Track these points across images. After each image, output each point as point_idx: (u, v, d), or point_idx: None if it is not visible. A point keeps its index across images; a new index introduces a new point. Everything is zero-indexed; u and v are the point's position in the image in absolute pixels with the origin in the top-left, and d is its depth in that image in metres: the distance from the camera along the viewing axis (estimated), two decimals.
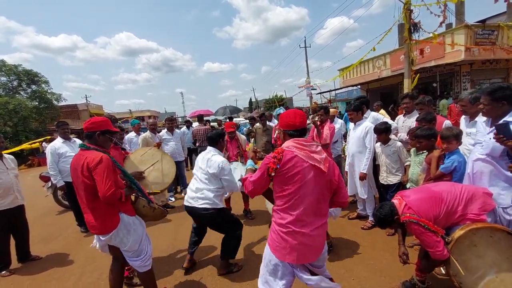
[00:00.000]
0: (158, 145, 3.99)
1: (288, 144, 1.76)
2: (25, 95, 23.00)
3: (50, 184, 5.79)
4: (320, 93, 19.41)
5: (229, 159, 4.45)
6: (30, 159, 17.29)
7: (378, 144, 3.71)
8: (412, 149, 3.23)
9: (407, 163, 3.43)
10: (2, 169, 3.45)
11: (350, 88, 19.84)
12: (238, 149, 4.65)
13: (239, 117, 18.67)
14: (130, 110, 42.45)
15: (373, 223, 3.73)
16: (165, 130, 5.97)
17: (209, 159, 2.95)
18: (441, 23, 8.28)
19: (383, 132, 3.57)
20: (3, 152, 3.55)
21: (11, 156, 3.70)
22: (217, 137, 3.12)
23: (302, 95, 19.84)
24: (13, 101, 19.80)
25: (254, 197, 2.07)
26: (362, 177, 3.66)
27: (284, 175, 1.70)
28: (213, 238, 3.49)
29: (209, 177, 2.89)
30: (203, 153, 3.10)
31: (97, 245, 2.41)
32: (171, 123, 6.04)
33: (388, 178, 3.61)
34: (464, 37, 10.71)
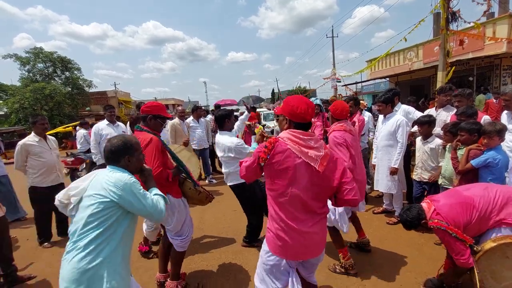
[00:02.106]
0: (186, 144, 4.16)
1: (284, 135, 1.63)
2: (59, 81, 24.24)
3: (84, 166, 6.16)
4: (346, 85, 18.87)
5: None
6: (64, 142, 18.38)
7: (419, 138, 3.55)
8: (448, 145, 3.08)
9: (441, 164, 3.25)
10: (46, 149, 3.72)
11: (378, 81, 19.12)
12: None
13: (262, 107, 18.64)
14: (155, 98, 43.65)
15: (399, 219, 3.64)
16: (191, 118, 6.12)
17: (217, 142, 3.12)
18: (485, 12, 7.67)
19: (425, 124, 3.36)
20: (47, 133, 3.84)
21: (53, 138, 3.97)
22: (222, 118, 3.14)
23: (326, 87, 19.51)
24: (49, 87, 20.96)
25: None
26: (393, 172, 3.56)
27: (274, 167, 1.58)
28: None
29: (224, 160, 3.12)
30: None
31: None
32: (201, 111, 6.35)
33: (422, 174, 3.45)
34: (508, 28, 9.90)
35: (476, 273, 1.87)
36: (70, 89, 23.74)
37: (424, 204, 2.15)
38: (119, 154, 1.66)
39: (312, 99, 5.10)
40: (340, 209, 2.64)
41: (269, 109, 15.50)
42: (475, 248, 1.91)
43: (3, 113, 23.16)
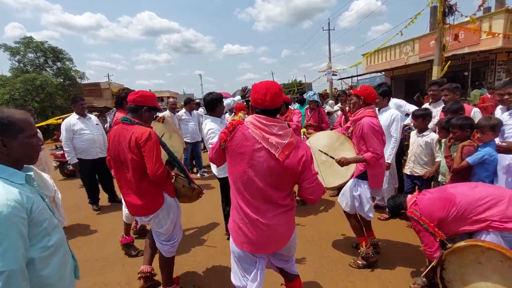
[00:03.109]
0: (162, 120, 3.86)
1: (249, 119, 1.58)
2: (51, 72, 23.75)
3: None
4: (341, 79, 18.81)
5: None
6: (56, 133, 18.10)
7: (414, 132, 3.50)
8: (443, 140, 3.03)
9: (438, 159, 3.20)
10: None
11: (374, 75, 19.08)
12: None
13: None
14: (150, 90, 43.04)
15: (390, 215, 3.63)
16: (184, 110, 6.01)
17: (203, 128, 2.99)
18: (480, 6, 7.64)
19: (420, 117, 3.32)
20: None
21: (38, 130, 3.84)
22: (213, 102, 2.97)
23: (321, 81, 19.38)
24: (40, 77, 20.53)
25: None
26: (387, 167, 3.51)
27: (232, 150, 1.53)
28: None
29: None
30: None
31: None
32: (194, 104, 6.23)
33: (414, 168, 3.42)
34: (504, 23, 9.87)
35: (438, 268, 1.92)
36: (62, 80, 23.30)
37: (409, 196, 2.24)
38: None
39: (310, 93, 4.96)
40: (365, 195, 2.64)
41: None
42: (447, 246, 1.91)
43: None
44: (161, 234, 2.27)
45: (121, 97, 3.24)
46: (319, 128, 4.46)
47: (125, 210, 3.10)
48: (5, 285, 1.02)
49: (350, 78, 19.23)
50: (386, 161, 3.47)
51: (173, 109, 5.66)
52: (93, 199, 4.69)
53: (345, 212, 2.84)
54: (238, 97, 3.98)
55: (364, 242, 2.73)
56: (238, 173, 1.54)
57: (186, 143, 5.74)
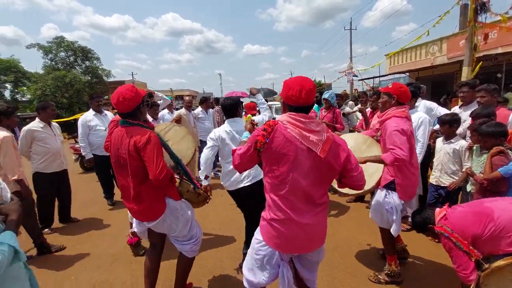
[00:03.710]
0: (177, 121, 3.88)
1: (283, 118, 1.52)
2: (80, 70, 24.91)
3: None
4: (362, 79, 18.25)
5: None
6: None
7: (440, 138, 3.23)
8: (475, 146, 2.72)
9: (466, 168, 2.91)
10: (51, 135, 3.73)
11: (397, 76, 18.34)
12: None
13: (274, 100, 18.36)
14: (171, 88, 44.16)
15: (411, 226, 3.40)
16: (200, 109, 6.03)
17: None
18: None
19: (446, 123, 3.02)
20: (53, 120, 3.85)
21: (57, 124, 3.98)
22: (232, 107, 2.74)
23: (342, 81, 18.91)
24: (69, 75, 21.62)
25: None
26: None
27: (273, 152, 1.47)
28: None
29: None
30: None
31: (137, 229, 2.23)
32: (210, 102, 6.29)
33: (440, 178, 3.14)
34: None
35: None
36: (89, 78, 24.38)
37: (438, 209, 1.97)
38: None
39: (325, 93, 4.78)
40: (398, 207, 2.37)
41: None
42: (483, 267, 1.63)
43: (26, 99, 24.08)
44: (176, 237, 2.17)
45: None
46: (332, 128, 4.30)
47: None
48: None
49: (372, 79, 18.61)
50: None
51: (189, 107, 5.67)
52: (108, 194, 4.81)
53: (379, 227, 2.62)
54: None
55: (393, 262, 2.53)
56: (281, 175, 1.49)
57: (201, 141, 5.77)
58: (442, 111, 3.61)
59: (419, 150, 3.08)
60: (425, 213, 1.99)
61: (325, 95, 4.58)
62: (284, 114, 1.54)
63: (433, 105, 3.73)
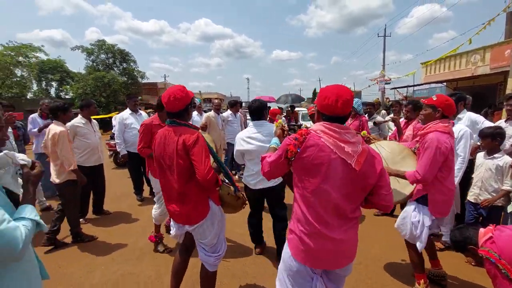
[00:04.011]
0: (203, 128, 3.98)
1: (317, 127, 1.46)
2: (118, 71, 26.45)
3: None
4: (395, 88, 17.55)
5: None
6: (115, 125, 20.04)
7: (482, 153, 3.03)
8: None
9: (506, 187, 2.73)
10: (91, 131, 4.00)
11: (433, 85, 17.44)
12: None
13: (301, 106, 18.21)
14: (200, 91, 45.38)
15: (446, 245, 3.20)
16: (230, 112, 6.15)
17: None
18: None
19: (488, 137, 2.84)
20: (92, 117, 4.12)
21: (95, 121, 4.24)
22: (259, 110, 2.75)
23: (373, 89, 18.30)
24: (108, 76, 23.04)
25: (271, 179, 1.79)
26: None
27: (305, 162, 1.42)
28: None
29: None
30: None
31: (173, 232, 2.21)
32: (239, 106, 6.41)
33: (480, 196, 2.94)
34: None
35: None
36: (125, 79, 25.79)
37: (482, 229, 1.78)
38: None
39: (354, 100, 4.66)
40: (425, 222, 2.29)
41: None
42: None
43: (69, 97, 25.92)
44: (204, 245, 2.11)
45: (159, 105, 3.17)
46: None
47: (154, 212, 3.23)
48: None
49: (406, 88, 17.83)
50: None
51: (218, 109, 5.80)
52: (138, 189, 5.03)
53: (405, 241, 2.52)
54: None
55: (422, 280, 2.41)
56: (311, 186, 1.44)
57: (228, 144, 5.87)
58: (488, 125, 3.32)
59: (459, 166, 2.93)
60: (466, 232, 1.79)
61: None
62: (318, 123, 1.48)
63: (480, 118, 3.45)
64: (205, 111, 6.82)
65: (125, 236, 3.66)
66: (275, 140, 1.94)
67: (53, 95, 26.00)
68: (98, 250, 3.31)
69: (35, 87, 25.89)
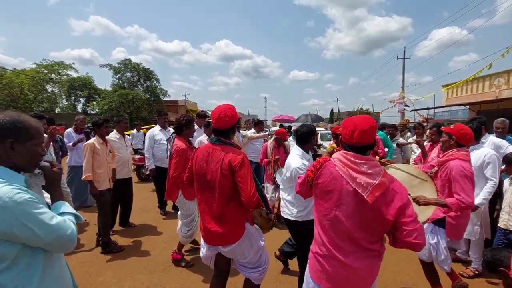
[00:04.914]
0: None
1: (336, 155, 1.51)
2: (141, 89, 27.72)
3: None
4: (415, 110, 17.32)
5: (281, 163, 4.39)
6: None
7: (507, 179, 3.02)
8: None
9: None
10: (124, 146, 4.25)
11: (455, 108, 17.08)
12: (286, 156, 4.64)
13: (319, 126, 18.20)
14: None
15: (476, 272, 3.11)
16: (253, 130, 6.31)
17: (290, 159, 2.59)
18: None
19: None
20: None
21: (128, 137, 4.50)
22: (307, 135, 2.59)
23: (391, 111, 18.04)
24: (132, 93, 24.17)
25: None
26: (473, 209, 2.91)
27: (319, 188, 1.51)
28: None
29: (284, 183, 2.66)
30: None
31: (204, 253, 2.15)
32: (263, 125, 6.63)
33: (510, 222, 2.90)
34: None
35: None
36: (148, 96, 26.92)
37: None
38: None
39: None
40: (442, 244, 2.40)
41: (327, 129, 15.10)
42: None
43: (94, 112, 27.29)
44: (245, 264, 2.10)
45: (182, 124, 3.29)
46: (373, 154, 4.19)
47: (183, 233, 3.31)
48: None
49: (427, 110, 17.55)
50: (476, 203, 2.90)
51: (238, 128, 5.96)
52: (162, 203, 5.17)
53: (420, 260, 2.58)
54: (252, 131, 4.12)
55: (457, 280, 2.51)
56: (324, 211, 1.49)
57: (251, 162, 5.97)
58: None
59: (491, 189, 2.93)
60: (498, 254, 1.82)
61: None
62: (339, 152, 1.53)
63: (503, 143, 3.46)
64: None
65: (150, 248, 3.77)
66: None
67: (80, 110, 27.45)
68: (124, 261, 3.43)
69: (64, 102, 27.50)
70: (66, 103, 27.85)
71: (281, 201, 2.76)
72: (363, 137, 1.42)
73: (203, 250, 2.16)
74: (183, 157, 3.09)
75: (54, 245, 1.10)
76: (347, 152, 1.47)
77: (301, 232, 2.55)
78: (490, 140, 3.47)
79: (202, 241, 2.16)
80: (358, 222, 1.42)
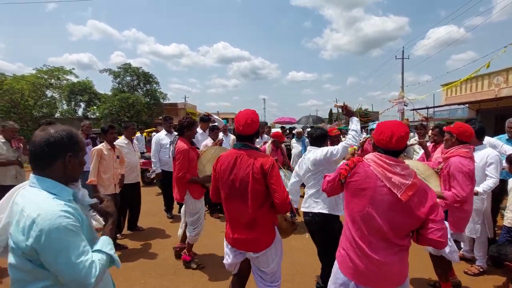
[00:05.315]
0: (220, 143, 4.01)
1: (370, 156, 1.60)
2: (141, 93, 27.76)
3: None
4: (415, 109, 17.40)
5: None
6: None
7: (511, 179, 3.12)
8: None
9: None
10: (132, 151, 4.32)
11: (454, 107, 17.17)
12: (283, 158, 4.91)
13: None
14: (218, 111, 46.55)
15: (480, 270, 3.18)
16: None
17: (308, 158, 2.67)
18: None
19: None
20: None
21: (136, 142, 4.57)
22: (322, 137, 2.80)
23: (390, 111, 18.09)
24: (132, 97, 24.21)
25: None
26: (475, 193, 2.93)
27: (353, 186, 1.58)
28: None
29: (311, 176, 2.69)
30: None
31: (229, 260, 2.07)
32: (266, 128, 6.86)
33: None
34: None
35: None
36: (148, 99, 26.96)
37: None
38: (56, 151, 1.12)
39: (371, 123, 4.88)
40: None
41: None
42: None
43: (95, 117, 27.32)
44: (266, 273, 2.03)
45: (183, 126, 3.33)
46: None
47: (189, 233, 3.31)
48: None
49: (426, 109, 17.62)
50: (479, 190, 2.96)
51: (225, 131, 5.82)
52: (168, 207, 5.23)
53: (430, 254, 2.69)
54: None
55: (453, 277, 2.69)
56: (357, 208, 1.57)
57: None
58: (508, 149, 3.50)
59: (492, 185, 3.00)
60: (503, 249, 1.94)
61: (372, 126, 4.68)
62: (371, 154, 1.63)
63: (498, 142, 3.65)
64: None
65: (159, 252, 3.83)
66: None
67: (80, 115, 27.48)
68: (134, 264, 3.49)
69: (65, 107, 27.50)
70: (67, 107, 27.86)
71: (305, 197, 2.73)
72: (400, 142, 1.53)
73: (229, 257, 2.09)
74: (186, 157, 3.15)
75: (64, 281, 1.05)
76: (381, 154, 1.57)
77: (328, 227, 2.55)
78: (486, 140, 3.56)
79: (226, 249, 2.11)
80: (390, 219, 1.51)
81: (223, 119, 6.03)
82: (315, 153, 2.64)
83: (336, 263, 1.72)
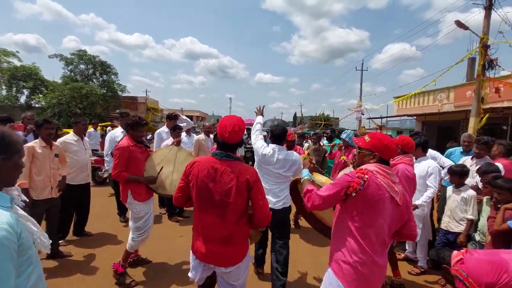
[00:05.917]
0: (178, 143, 3.65)
1: (371, 168, 1.66)
2: (97, 83, 25.79)
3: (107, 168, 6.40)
4: (371, 118, 18.70)
5: None
6: None
7: (451, 187, 3.44)
8: (485, 198, 2.96)
9: (470, 217, 3.09)
10: (82, 149, 3.94)
11: (404, 118, 18.80)
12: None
13: None
14: (181, 108, 45.19)
15: (422, 270, 3.49)
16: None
17: (284, 158, 2.83)
18: None
19: (457, 174, 3.29)
20: (66, 130, 4.07)
21: (87, 139, 4.19)
22: (283, 135, 3.00)
23: (349, 118, 19.19)
24: (86, 87, 22.36)
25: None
26: (414, 207, 3.28)
27: (366, 199, 1.60)
28: None
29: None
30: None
31: (197, 275, 1.92)
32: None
33: (450, 224, 3.29)
34: None
35: None
36: (105, 91, 25.15)
37: (455, 251, 2.07)
38: None
39: (343, 133, 4.99)
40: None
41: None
42: None
43: (39, 106, 24.69)
44: (234, 287, 1.94)
45: (127, 125, 3.13)
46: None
47: (134, 239, 3.00)
48: None
49: (380, 119, 19.04)
50: (417, 203, 3.30)
51: (209, 132, 5.70)
52: (121, 210, 4.88)
53: None
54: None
55: (398, 277, 3.07)
56: (370, 220, 1.62)
57: None
58: (446, 161, 3.96)
59: (431, 194, 3.34)
60: (442, 252, 2.12)
61: (343, 135, 4.81)
62: (371, 164, 1.69)
63: (437, 154, 4.05)
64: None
65: (105, 262, 3.42)
66: (306, 172, 2.07)
67: (23, 103, 24.66)
68: (75, 278, 3.16)
69: (4, 92, 24.44)
70: (6, 94, 24.74)
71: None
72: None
73: (196, 272, 1.93)
74: (125, 155, 2.90)
75: None
76: (381, 165, 1.69)
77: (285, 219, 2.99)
78: (428, 152, 3.88)
79: (193, 263, 1.94)
80: (390, 225, 1.66)
81: (187, 116, 5.75)
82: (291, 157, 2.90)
83: (332, 280, 1.66)
